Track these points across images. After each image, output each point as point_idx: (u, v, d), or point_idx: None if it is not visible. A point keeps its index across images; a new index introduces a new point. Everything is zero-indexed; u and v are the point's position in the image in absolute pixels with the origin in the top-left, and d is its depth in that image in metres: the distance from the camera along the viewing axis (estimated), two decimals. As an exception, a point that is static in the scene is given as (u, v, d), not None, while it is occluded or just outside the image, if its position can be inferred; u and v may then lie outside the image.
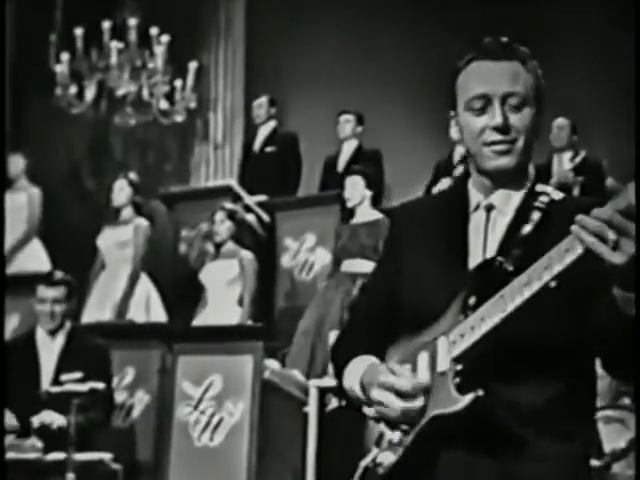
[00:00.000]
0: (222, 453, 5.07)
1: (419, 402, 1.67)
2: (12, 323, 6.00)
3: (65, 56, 7.84)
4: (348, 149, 7.40)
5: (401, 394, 1.68)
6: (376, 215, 5.80)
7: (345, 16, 8.72)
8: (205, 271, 6.35)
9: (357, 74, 8.49)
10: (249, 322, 5.98)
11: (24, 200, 7.11)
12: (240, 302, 6.17)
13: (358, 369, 1.81)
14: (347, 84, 8.38)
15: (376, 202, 6.03)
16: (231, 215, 6.29)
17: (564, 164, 6.57)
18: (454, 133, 1.63)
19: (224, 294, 6.20)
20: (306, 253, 6.87)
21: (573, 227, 1.49)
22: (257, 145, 7.69)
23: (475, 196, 1.83)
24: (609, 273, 1.50)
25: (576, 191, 6.33)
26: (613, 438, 3.82)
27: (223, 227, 6.24)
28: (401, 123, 8.46)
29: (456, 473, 1.70)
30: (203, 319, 6.14)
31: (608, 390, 4.37)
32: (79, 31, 7.79)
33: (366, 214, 5.86)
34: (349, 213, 6.13)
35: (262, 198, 7.26)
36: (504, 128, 1.73)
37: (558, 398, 1.70)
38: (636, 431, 3.79)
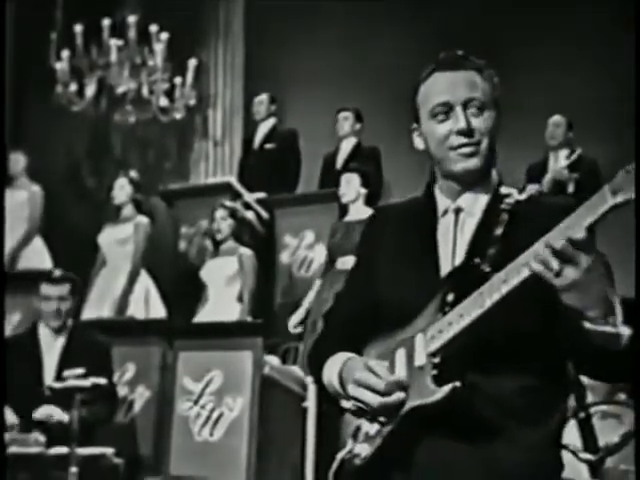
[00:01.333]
0: (222, 447, 5.11)
1: (395, 397, 1.72)
2: (14, 320, 6.05)
3: (65, 53, 7.86)
4: (347, 146, 7.41)
5: (376, 391, 1.73)
6: (370, 213, 5.81)
7: (344, 14, 8.74)
8: (205, 268, 6.39)
9: (356, 71, 8.51)
10: (249, 318, 6.04)
11: (25, 198, 7.14)
12: (240, 298, 6.21)
13: (337, 363, 1.87)
14: (346, 81, 8.40)
15: (372, 201, 6.05)
16: (232, 212, 6.34)
17: (560, 162, 6.60)
18: (418, 144, 1.71)
19: (224, 291, 6.24)
20: (305, 250, 6.91)
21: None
22: (256, 142, 7.71)
23: (442, 201, 1.90)
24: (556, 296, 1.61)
25: (571, 188, 6.37)
26: (607, 433, 3.86)
27: (224, 224, 6.28)
28: (400, 121, 8.48)
29: (436, 462, 1.75)
30: (203, 315, 6.19)
31: (604, 385, 4.41)
32: (79, 28, 7.81)
33: (360, 212, 5.89)
34: (344, 210, 6.17)
35: (261, 195, 7.29)
36: (468, 131, 1.81)
37: (534, 389, 1.77)
38: (635, 429, 3.82)
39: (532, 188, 6.33)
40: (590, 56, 7.91)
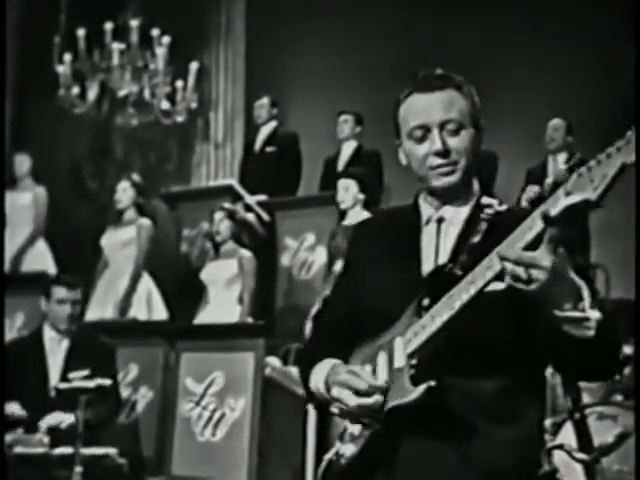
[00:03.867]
0: (224, 448, 5.16)
1: (372, 400, 1.80)
2: (17, 322, 6.10)
3: (68, 57, 7.91)
4: (347, 150, 7.46)
5: (357, 392, 1.81)
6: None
7: (345, 17, 8.78)
8: (206, 270, 6.44)
9: (357, 74, 8.55)
10: (250, 320, 6.09)
11: (30, 199, 7.19)
12: (240, 300, 6.26)
13: (323, 370, 1.95)
14: (347, 84, 8.43)
15: (371, 204, 6.09)
16: (231, 214, 6.39)
17: (559, 165, 6.63)
18: (402, 159, 1.80)
19: (224, 293, 6.29)
20: (306, 252, 6.95)
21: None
22: (257, 145, 7.76)
23: (426, 211, 1.98)
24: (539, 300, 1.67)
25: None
26: (603, 433, 3.91)
27: (223, 226, 6.33)
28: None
29: (417, 461, 1.82)
30: (204, 317, 6.24)
31: (601, 386, 4.46)
32: (81, 32, 7.84)
33: (359, 216, 5.92)
34: (344, 212, 6.22)
35: (262, 198, 7.34)
36: (444, 153, 1.89)
37: (507, 389, 1.84)
38: (635, 430, 3.86)
39: (532, 190, 6.37)
40: (590, 58, 7.94)
